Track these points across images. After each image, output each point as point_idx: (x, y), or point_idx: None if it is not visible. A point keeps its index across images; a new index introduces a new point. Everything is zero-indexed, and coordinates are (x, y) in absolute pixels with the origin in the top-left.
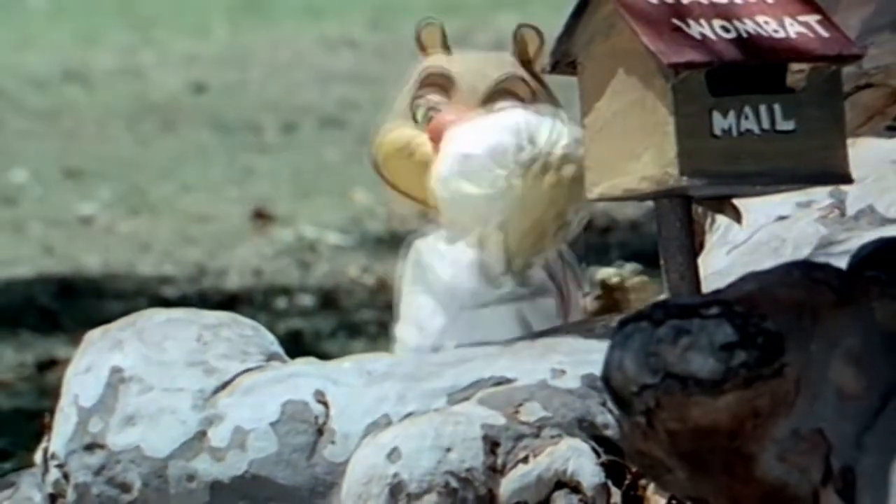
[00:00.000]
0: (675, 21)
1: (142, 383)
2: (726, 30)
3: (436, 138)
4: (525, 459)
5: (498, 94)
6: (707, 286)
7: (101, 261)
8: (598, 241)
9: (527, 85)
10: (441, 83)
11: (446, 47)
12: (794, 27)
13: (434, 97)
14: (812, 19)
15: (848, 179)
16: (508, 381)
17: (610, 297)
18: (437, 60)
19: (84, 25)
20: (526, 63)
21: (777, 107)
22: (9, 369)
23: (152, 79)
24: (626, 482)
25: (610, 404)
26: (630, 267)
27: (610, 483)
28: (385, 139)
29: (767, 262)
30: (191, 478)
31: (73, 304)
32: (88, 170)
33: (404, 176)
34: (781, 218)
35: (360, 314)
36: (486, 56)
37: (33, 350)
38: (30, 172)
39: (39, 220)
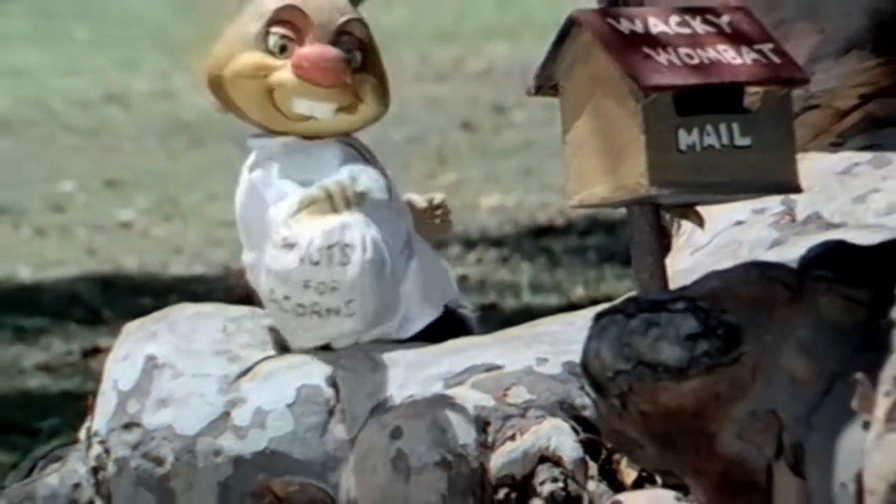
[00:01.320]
0: (646, 49)
1: (173, 369)
2: (690, 57)
3: (303, 72)
4: (512, 437)
5: (344, 33)
6: (674, 284)
7: (138, 261)
8: (578, 243)
9: (364, 26)
10: (295, 18)
11: None
12: (750, 55)
13: (286, 29)
14: (766, 48)
15: (798, 189)
16: (498, 367)
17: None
18: None
19: (122, 53)
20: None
21: (735, 125)
22: (57, 357)
23: (183, 100)
24: (602, 457)
25: (588, 388)
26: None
27: (588, 458)
28: (238, 61)
29: (727, 263)
30: (217, 453)
31: (113, 300)
32: (126, 181)
33: (250, 97)
34: (739, 223)
35: None
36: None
37: (79, 340)
38: (75, 183)
39: (84, 226)
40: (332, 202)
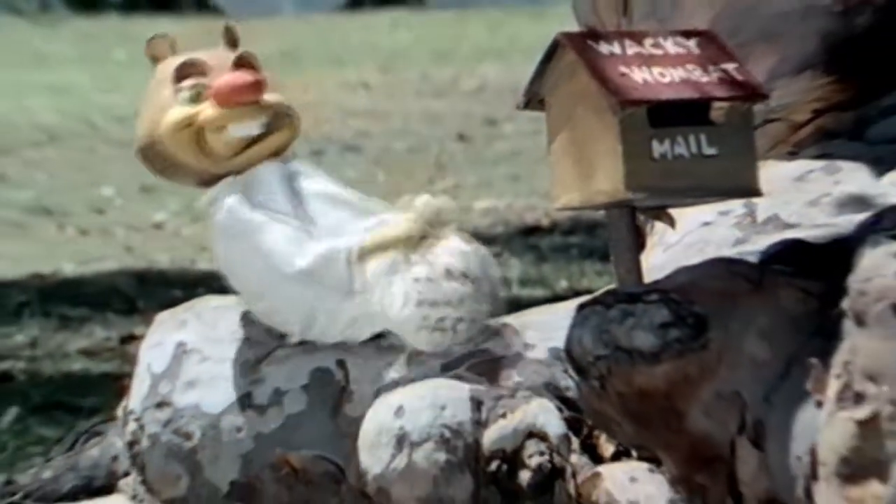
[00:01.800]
0: (622, 69)
1: (200, 354)
2: (662, 75)
3: (222, 98)
4: (503, 415)
5: (242, 64)
6: (648, 278)
7: (169, 258)
8: (562, 242)
9: (253, 55)
10: (195, 69)
11: (175, 52)
12: (715, 73)
13: (193, 79)
14: (730, 67)
15: (758, 193)
16: (490, 353)
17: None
18: (178, 58)
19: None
20: (236, 46)
21: (703, 136)
22: (97, 343)
23: None
24: (584, 433)
25: (571, 372)
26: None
27: (571, 434)
28: (165, 121)
29: (695, 259)
30: (239, 429)
31: (147, 292)
32: (159, 187)
33: (186, 147)
34: (706, 224)
35: None
36: (215, 50)
37: (117, 328)
38: (114, 189)
39: (122, 226)
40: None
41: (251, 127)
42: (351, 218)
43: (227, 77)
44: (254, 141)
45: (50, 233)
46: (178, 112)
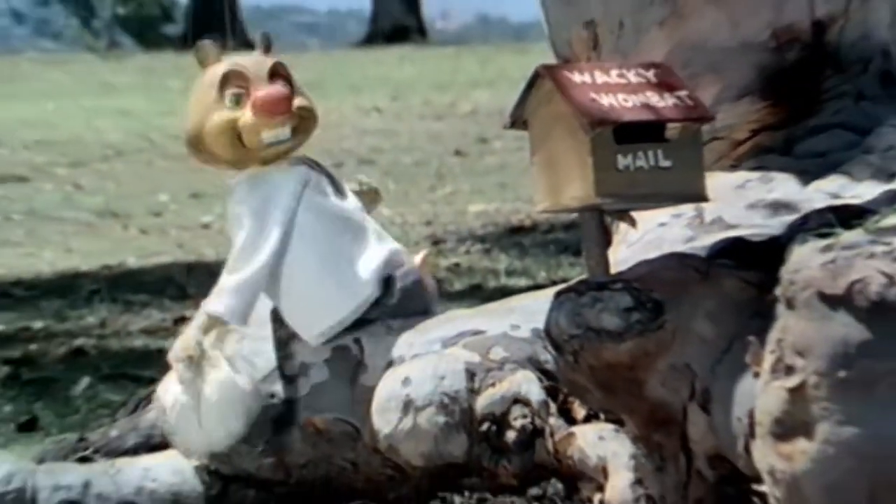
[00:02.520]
0: (592, 95)
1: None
2: (626, 101)
3: (262, 110)
4: (493, 385)
5: (274, 74)
6: (613, 270)
7: (215, 253)
8: (542, 239)
9: (283, 64)
10: (237, 77)
11: (220, 58)
12: (670, 99)
13: (236, 88)
14: (682, 94)
15: (706, 199)
16: (482, 332)
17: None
18: (223, 66)
19: None
20: (269, 52)
21: (659, 151)
22: (155, 323)
23: None
24: (560, 399)
25: (549, 348)
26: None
27: (549, 400)
28: (209, 122)
29: (653, 254)
30: (273, 395)
31: (196, 281)
32: (206, 193)
33: (225, 145)
34: (662, 224)
35: None
36: (253, 54)
37: (171, 311)
38: (169, 195)
39: (175, 226)
40: None
41: (281, 133)
42: (339, 234)
43: (263, 92)
44: (288, 140)
45: (116, 232)
46: (221, 115)
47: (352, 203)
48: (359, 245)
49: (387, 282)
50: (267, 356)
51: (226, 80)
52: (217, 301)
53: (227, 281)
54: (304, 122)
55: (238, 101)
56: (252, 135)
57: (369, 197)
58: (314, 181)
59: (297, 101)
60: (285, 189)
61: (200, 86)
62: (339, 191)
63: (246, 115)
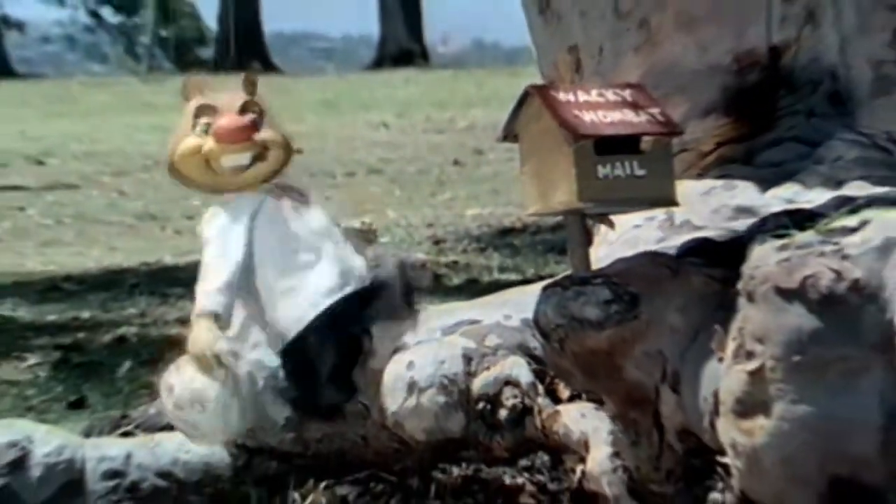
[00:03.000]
0: (575, 112)
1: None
2: (605, 116)
3: (220, 137)
4: (487, 368)
5: (245, 109)
6: (594, 267)
7: None
8: (531, 240)
9: (258, 103)
10: (209, 109)
11: (202, 92)
12: (644, 116)
13: (206, 118)
14: (654, 111)
15: (676, 204)
16: (478, 322)
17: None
18: (200, 99)
19: None
20: (252, 93)
21: (635, 162)
22: (189, 314)
23: None
24: (547, 381)
25: (538, 336)
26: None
27: (537, 382)
28: (179, 148)
29: (629, 252)
30: None
31: None
32: None
33: (193, 169)
34: (637, 226)
35: None
36: (234, 92)
37: None
38: (201, 200)
39: None
40: None
41: (240, 159)
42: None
43: (223, 120)
44: (248, 167)
45: (154, 233)
46: (189, 142)
47: (314, 226)
48: (309, 265)
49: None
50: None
51: (199, 111)
52: (210, 301)
53: (208, 285)
54: (268, 151)
55: (206, 131)
56: (215, 160)
57: (364, 236)
58: (270, 207)
59: (263, 134)
60: (242, 214)
61: (183, 117)
62: (304, 215)
63: (209, 142)
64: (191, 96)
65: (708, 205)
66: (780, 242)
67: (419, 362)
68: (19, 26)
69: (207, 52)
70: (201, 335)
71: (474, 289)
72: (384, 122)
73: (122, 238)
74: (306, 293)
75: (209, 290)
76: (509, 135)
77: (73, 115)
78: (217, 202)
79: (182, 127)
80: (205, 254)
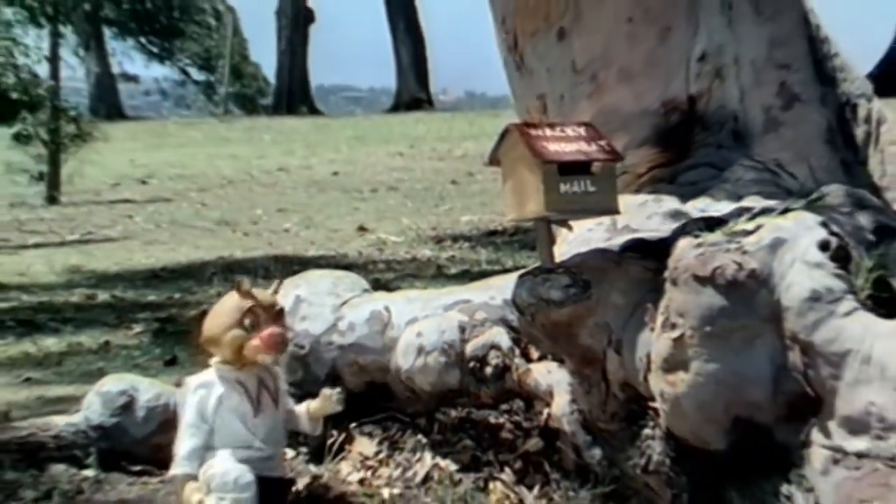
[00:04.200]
0: (544, 143)
1: (308, 302)
2: (566, 147)
3: (268, 346)
4: (477, 336)
5: (279, 315)
6: (558, 260)
7: (293, 248)
8: (510, 240)
9: (283, 311)
10: (256, 311)
11: (251, 295)
12: (594, 146)
13: (252, 317)
14: (602, 143)
15: (618, 213)
16: (469, 301)
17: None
18: (250, 298)
19: (286, 147)
20: (277, 292)
21: (588, 180)
22: None
23: (315, 170)
24: (522, 346)
25: (515, 312)
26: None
27: (515, 346)
28: (229, 335)
29: (583, 249)
30: (330, 343)
31: (280, 269)
32: (288, 208)
33: (231, 352)
34: (589, 230)
35: (402, 271)
36: (268, 295)
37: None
38: (262, 210)
39: (267, 231)
40: None
41: (267, 358)
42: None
43: (274, 332)
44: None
45: (228, 235)
46: (237, 334)
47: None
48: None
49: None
50: (324, 317)
51: (248, 311)
52: (176, 467)
53: (179, 450)
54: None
55: (251, 328)
56: (252, 354)
57: (327, 401)
58: (228, 389)
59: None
60: (214, 391)
61: (229, 305)
62: (253, 398)
63: (255, 341)
64: (244, 292)
65: (642, 213)
66: (696, 241)
67: (426, 332)
68: (134, 79)
69: (266, 100)
70: (190, 497)
71: (467, 276)
72: (399, 152)
73: (204, 238)
74: None
75: (179, 456)
76: (493, 161)
77: (169, 147)
78: (199, 378)
79: (228, 315)
80: (182, 416)
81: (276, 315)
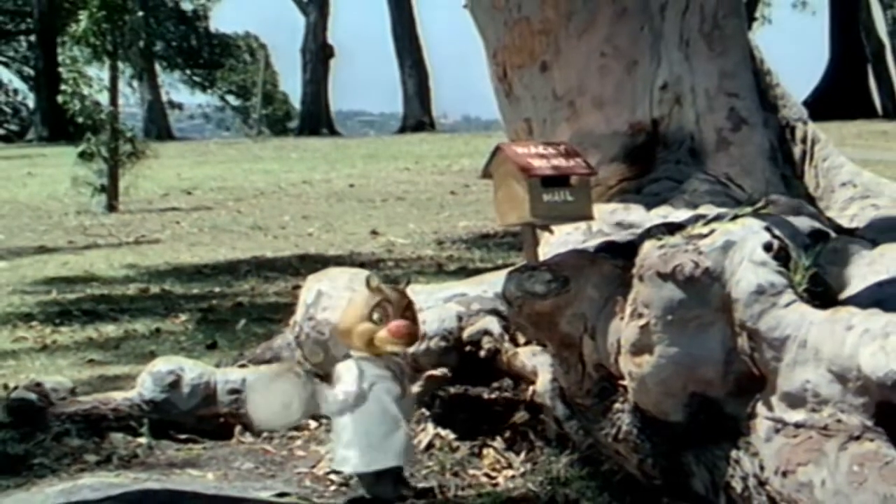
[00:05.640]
0: (529, 160)
1: (328, 295)
2: (548, 163)
3: (396, 336)
4: (472, 324)
5: (407, 308)
6: (541, 258)
7: (316, 249)
8: (500, 242)
9: (413, 305)
10: (385, 304)
11: (381, 290)
12: (572, 162)
13: (381, 311)
14: (578, 160)
15: (592, 219)
16: (466, 294)
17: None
18: (379, 293)
19: (309, 163)
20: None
21: (567, 191)
22: (282, 289)
23: (334, 182)
24: (511, 332)
25: (504, 303)
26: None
27: (505, 333)
28: (358, 329)
29: (563, 249)
30: None
31: (306, 266)
32: (311, 215)
33: (362, 343)
34: (568, 234)
35: (408, 268)
36: (397, 290)
37: (291, 282)
38: (289, 217)
39: (294, 234)
40: None
41: (396, 347)
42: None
43: (399, 325)
44: None
45: (260, 238)
46: (367, 326)
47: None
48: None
49: None
50: (343, 308)
51: (377, 305)
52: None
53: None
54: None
55: (380, 320)
56: (382, 344)
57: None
58: (380, 371)
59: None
60: (369, 371)
61: (360, 300)
62: (396, 377)
63: (383, 332)
64: (373, 287)
65: (613, 220)
66: (659, 243)
67: (429, 319)
68: (180, 106)
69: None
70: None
71: (463, 273)
72: (406, 167)
73: (240, 241)
74: None
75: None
76: (486, 174)
77: (210, 164)
78: (352, 359)
79: (359, 307)
80: (337, 385)
81: (405, 308)
